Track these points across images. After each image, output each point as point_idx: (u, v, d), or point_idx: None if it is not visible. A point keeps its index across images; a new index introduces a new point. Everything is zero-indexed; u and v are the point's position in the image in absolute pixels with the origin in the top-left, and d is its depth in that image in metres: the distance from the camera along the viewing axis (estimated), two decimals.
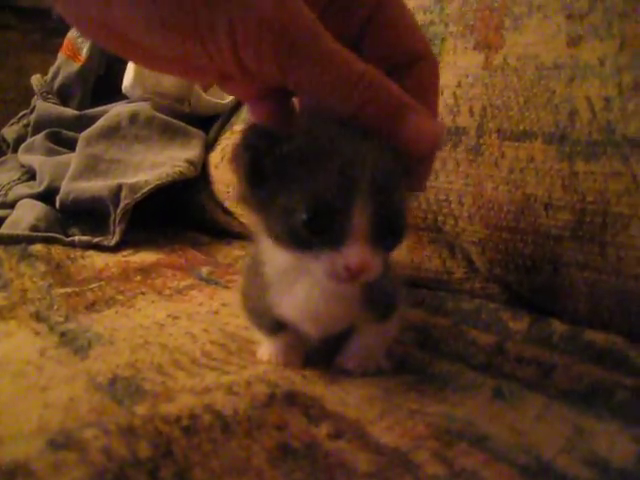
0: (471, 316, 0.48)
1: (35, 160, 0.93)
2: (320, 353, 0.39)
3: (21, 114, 1.14)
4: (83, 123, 0.94)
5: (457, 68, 0.52)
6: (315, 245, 0.30)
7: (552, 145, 0.45)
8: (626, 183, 0.41)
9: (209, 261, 0.70)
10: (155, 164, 0.82)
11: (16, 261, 0.65)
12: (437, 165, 0.51)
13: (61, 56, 1.09)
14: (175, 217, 0.92)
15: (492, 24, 0.51)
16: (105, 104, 0.98)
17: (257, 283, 0.37)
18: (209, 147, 0.88)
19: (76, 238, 0.75)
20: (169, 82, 0.91)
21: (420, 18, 0.57)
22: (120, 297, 0.54)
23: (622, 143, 0.41)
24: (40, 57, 1.34)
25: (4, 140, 1.13)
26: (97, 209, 0.79)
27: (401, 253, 0.55)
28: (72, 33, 1.09)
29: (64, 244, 0.74)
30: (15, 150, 1.05)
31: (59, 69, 1.08)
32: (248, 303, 0.40)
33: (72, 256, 0.69)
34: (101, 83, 1.07)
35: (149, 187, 0.77)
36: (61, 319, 0.48)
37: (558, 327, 0.44)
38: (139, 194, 0.76)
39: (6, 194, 0.91)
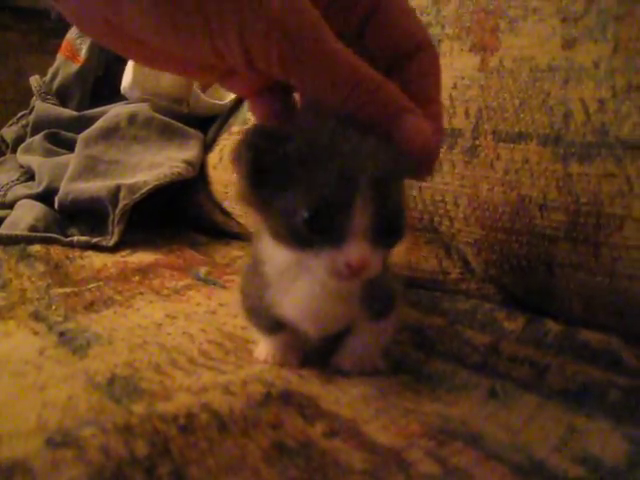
0: (466, 316, 0.48)
1: (34, 161, 0.93)
2: (317, 353, 0.40)
3: (20, 114, 1.14)
4: (82, 124, 0.94)
5: (453, 70, 0.53)
6: (316, 243, 0.30)
7: (547, 147, 0.45)
8: (619, 184, 0.41)
9: (207, 261, 0.70)
10: (153, 165, 0.83)
11: (15, 261, 0.66)
12: None
13: (60, 57, 1.10)
14: (173, 217, 0.92)
15: (488, 26, 0.51)
16: (104, 105, 0.98)
17: (257, 283, 0.37)
18: (207, 148, 0.88)
19: (75, 238, 0.75)
20: (167, 83, 0.92)
21: None
22: (118, 297, 0.54)
23: (616, 145, 0.42)
24: (39, 58, 1.34)
25: (3, 140, 1.14)
26: (96, 210, 0.79)
27: (398, 254, 0.55)
28: (71, 34, 1.09)
29: (63, 244, 0.74)
30: (14, 150, 1.05)
31: (58, 70, 1.09)
32: (247, 302, 0.40)
33: (71, 256, 0.70)
34: (100, 84, 1.07)
35: (148, 188, 0.77)
36: (60, 319, 0.48)
37: (552, 327, 0.44)
38: (138, 195, 0.76)
39: (5, 194, 0.91)
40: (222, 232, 0.85)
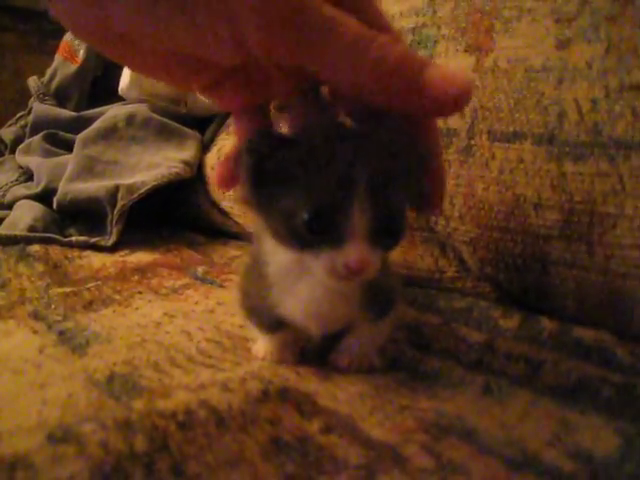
0: (462, 314, 0.48)
1: (32, 161, 0.94)
2: (314, 351, 0.40)
3: (18, 115, 1.14)
4: (80, 124, 0.94)
5: None
6: (316, 244, 0.31)
7: (541, 146, 0.46)
8: (613, 183, 0.42)
9: (205, 261, 0.70)
10: (151, 165, 0.83)
11: (14, 261, 0.66)
12: None
13: (58, 58, 1.10)
14: (171, 217, 0.92)
15: (483, 27, 0.52)
16: (102, 106, 0.99)
17: (259, 283, 0.37)
18: (205, 148, 0.89)
19: (73, 238, 0.75)
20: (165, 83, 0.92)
21: (413, 20, 0.58)
22: (117, 296, 0.55)
23: (609, 144, 0.42)
24: (37, 58, 1.35)
25: (2, 141, 1.14)
26: (94, 210, 0.79)
27: (394, 252, 0.55)
28: (69, 35, 1.10)
29: (62, 244, 0.74)
30: (13, 151, 1.06)
31: (56, 71, 1.09)
32: (247, 302, 0.41)
33: (70, 256, 0.70)
34: (98, 85, 1.08)
35: (146, 188, 0.77)
36: (59, 318, 0.48)
37: (547, 325, 0.45)
38: (136, 195, 0.77)
39: (4, 195, 0.91)
40: (220, 232, 0.85)
